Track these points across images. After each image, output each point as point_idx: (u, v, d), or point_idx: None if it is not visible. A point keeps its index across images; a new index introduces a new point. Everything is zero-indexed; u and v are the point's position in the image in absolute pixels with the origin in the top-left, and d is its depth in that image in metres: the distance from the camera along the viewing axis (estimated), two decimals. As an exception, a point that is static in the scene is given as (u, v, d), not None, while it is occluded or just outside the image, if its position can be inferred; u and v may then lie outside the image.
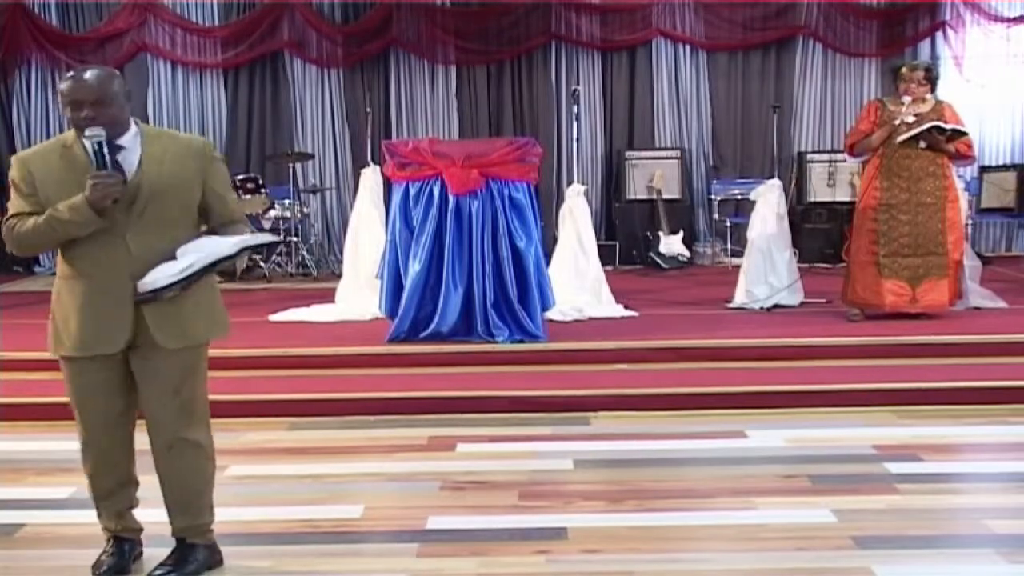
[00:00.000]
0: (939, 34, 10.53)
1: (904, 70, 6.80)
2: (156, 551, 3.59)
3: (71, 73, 3.27)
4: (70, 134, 3.30)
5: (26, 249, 3.35)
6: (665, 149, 10.61)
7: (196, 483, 3.52)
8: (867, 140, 6.82)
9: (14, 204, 3.30)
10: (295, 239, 9.75)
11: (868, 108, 7.00)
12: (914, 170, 6.73)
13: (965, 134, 6.75)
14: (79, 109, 3.19)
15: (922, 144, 6.68)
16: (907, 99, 6.74)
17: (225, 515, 4.11)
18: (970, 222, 9.11)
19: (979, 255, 8.11)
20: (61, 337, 3.35)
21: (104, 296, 3.27)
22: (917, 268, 6.77)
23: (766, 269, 7.47)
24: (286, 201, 9.77)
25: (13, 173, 3.30)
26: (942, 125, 6.62)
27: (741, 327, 6.79)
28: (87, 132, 3.18)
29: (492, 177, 6.40)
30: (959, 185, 7.44)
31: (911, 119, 6.69)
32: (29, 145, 10.56)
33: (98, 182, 3.14)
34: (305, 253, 9.79)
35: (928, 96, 6.79)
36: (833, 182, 10.24)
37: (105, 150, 3.18)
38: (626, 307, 7.44)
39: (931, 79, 6.77)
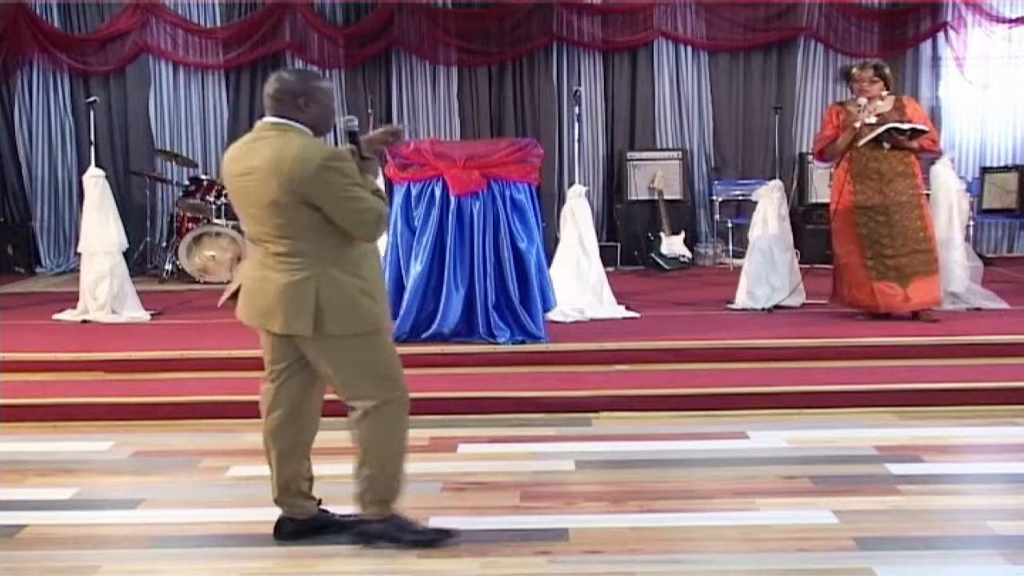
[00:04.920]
0: (940, 35, 10.51)
1: (854, 71, 6.83)
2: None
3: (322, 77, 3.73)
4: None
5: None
6: (666, 150, 10.61)
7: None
8: (833, 145, 6.84)
9: (360, 191, 3.51)
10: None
11: (829, 112, 7.02)
12: (884, 172, 6.74)
13: (925, 131, 6.76)
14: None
15: (886, 145, 6.70)
16: (863, 100, 6.76)
17: (226, 516, 4.13)
18: (971, 223, 9.10)
19: (980, 256, 8.11)
20: (374, 310, 3.61)
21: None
22: (904, 267, 6.77)
23: (767, 270, 7.47)
24: (287, 202, 9.75)
25: (348, 167, 3.50)
26: (899, 126, 6.63)
27: (742, 328, 6.79)
28: (345, 118, 3.67)
29: (494, 178, 6.40)
30: (960, 185, 7.47)
31: (873, 120, 6.70)
32: (31, 146, 10.68)
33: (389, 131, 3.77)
34: (306, 254, 9.77)
35: (885, 94, 6.80)
36: (833, 184, 10.22)
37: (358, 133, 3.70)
38: (627, 308, 7.44)
39: (882, 76, 6.78)
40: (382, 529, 3.77)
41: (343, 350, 3.61)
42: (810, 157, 10.14)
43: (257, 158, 3.51)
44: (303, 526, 3.88)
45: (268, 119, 3.60)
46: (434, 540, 3.79)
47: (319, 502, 3.96)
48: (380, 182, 3.59)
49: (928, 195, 7.11)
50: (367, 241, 3.61)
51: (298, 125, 3.56)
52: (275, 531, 3.88)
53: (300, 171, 3.42)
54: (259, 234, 3.60)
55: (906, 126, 6.65)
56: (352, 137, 3.68)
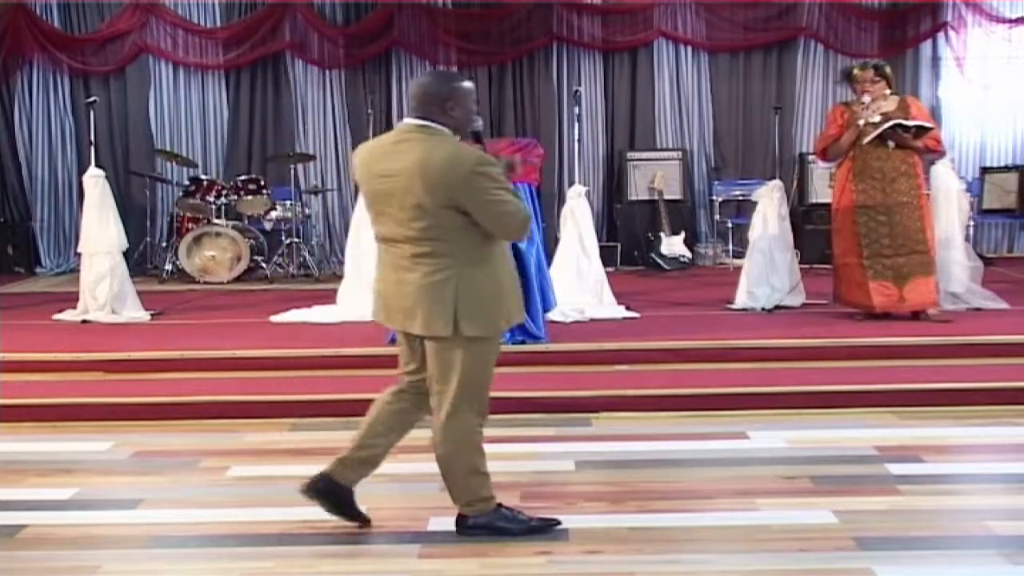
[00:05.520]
0: (940, 35, 10.52)
1: (855, 71, 6.85)
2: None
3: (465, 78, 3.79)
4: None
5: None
6: (666, 150, 10.61)
7: None
8: (837, 144, 6.84)
9: (507, 194, 3.56)
10: (297, 240, 9.75)
11: (834, 112, 7.02)
12: (887, 171, 6.74)
13: (930, 129, 6.76)
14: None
15: (891, 144, 6.70)
16: (867, 99, 6.76)
17: (226, 516, 4.14)
18: (971, 223, 9.11)
19: (980, 256, 8.11)
20: (505, 312, 3.69)
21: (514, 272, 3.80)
22: (901, 268, 6.77)
23: (767, 270, 7.47)
24: (288, 202, 9.77)
25: (496, 171, 3.57)
26: (904, 123, 6.63)
27: (742, 328, 6.79)
28: (479, 122, 3.76)
29: (493, 178, 6.39)
30: (960, 185, 7.47)
31: (877, 119, 6.70)
32: (31, 146, 10.68)
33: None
34: (306, 254, 9.79)
35: (888, 92, 6.80)
36: (834, 183, 10.22)
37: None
38: (627, 308, 7.44)
39: (883, 75, 6.79)
40: (486, 521, 3.84)
41: (466, 351, 3.66)
42: (810, 157, 10.16)
43: (402, 160, 3.56)
44: (333, 489, 3.91)
45: (411, 121, 3.66)
46: (538, 528, 3.86)
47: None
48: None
49: (928, 195, 7.11)
50: (513, 242, 3.72)
51: (442, 127, 3.61)
52: (308, 484, 3.92)
53: (450, 176, 3.48)
54: (397, 235, 3.64)
55: (911, 123, 6.65)
56: (477, 137, 3.76)
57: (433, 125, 3.61)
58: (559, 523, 3.92)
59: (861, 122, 6.72)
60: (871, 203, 6.76)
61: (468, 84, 3.71)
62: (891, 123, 6.62)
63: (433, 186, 3.49)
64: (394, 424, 3.92)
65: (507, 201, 3.55)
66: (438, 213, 3.52)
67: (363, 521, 3.96)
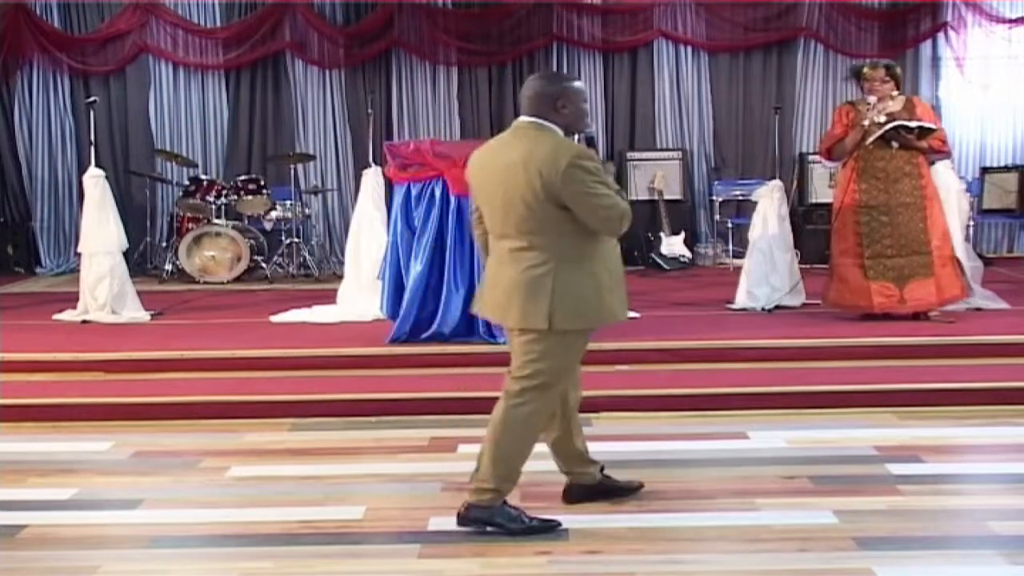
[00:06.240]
0: (940, 35, 10.52)
1: (865, 70, 6.83)
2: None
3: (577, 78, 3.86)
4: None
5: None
6: (666, 150, 10.61)
7: None
8: (842, 144, 6.83)
9: (605, 188, 3.63)
10: (297, 240, 9.75)
11: (839, 112, 7.01)
12: (890, 171, 6.74)
13: (934, 130, 6.76)
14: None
15: (895, 144, 6.70)
16: (872, 99, 6.76)
17: (226, 516, 4.14)
18: (971, 223, 9.11)
19: (980, 256, 8.11)
20: (603, 307, 3.75)
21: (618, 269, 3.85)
22: (902, 269, 6.77)
23: (767, 270, 7.47)
24: (288, 202, 9.78)
25: (595, 165, 3.64)
26: (908, 123, 6.63)
27: (742, 328, 6.79)
28: (592, 127, 3.82)
29: (493, 178, 6.40)
30: (960, 185, 7.46)
31: (882, 119, 6.70)
32: (31, 146, 10.68)
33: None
34: (307, 254, 9.79)
35: (895, 93, 6.80)
36: (834, 183, 10.19)
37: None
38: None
39: (893, 76, 6.79)
40: (487, 516, 3.88)
41: (557, 342, 3.75)
42: (810, 157, 10.17)
43: (509, 155, 3.70)
44: (592, 490, 4.15)
45: (524, 119, 3.78)
46: (539, 529, 3.90)
47: (602, 468, 4.20)
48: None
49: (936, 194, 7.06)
50: (610, 236, 3.76)
51: (552, 125, 3.73)
52: (564, 496, 4.17)
53: (550, 169, 3.58)
54: (501, 228, 3.77)
55: (914, 124, 6.65)
56: (590, 143, 3.88)
57: (543, 122, 3.73)
58: (559, 524, 3.93)
59: (866, 122, 6.71)
60: (874, 203, 6.76)
61: (579, 84, 3.84)
62: (893, 124, 6.62)
63: (534, 179, 3.61)
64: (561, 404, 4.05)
65: (604, 195, 3.63)
66: (539, 207, 3.63)
67: (635, 488, 4.21)
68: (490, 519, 3.86)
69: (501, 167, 3.71)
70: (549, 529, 3.90)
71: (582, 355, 3.94)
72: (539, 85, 3.78)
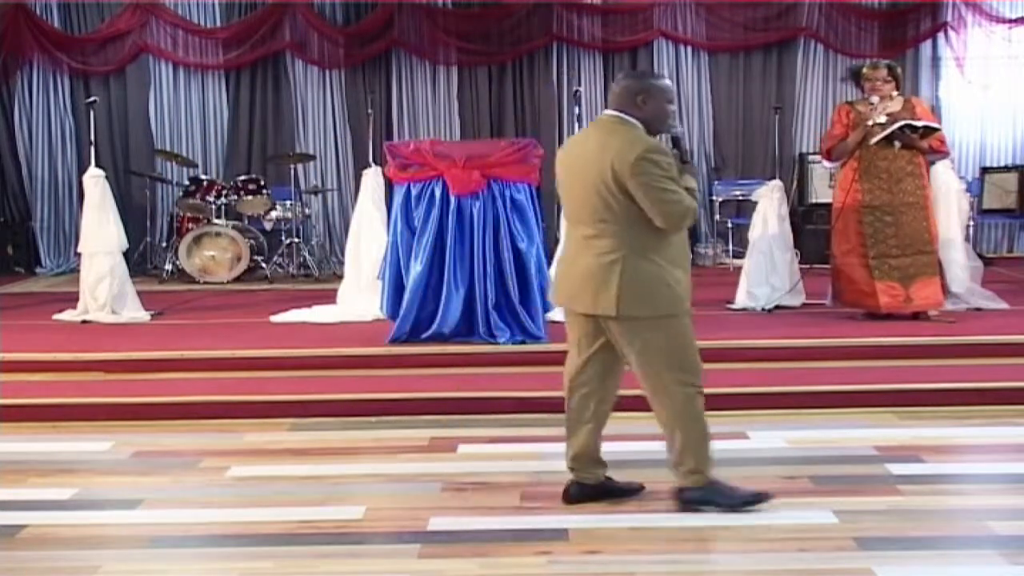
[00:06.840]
0: (940, 35, 10.52)
1: (866, 70, 6.82)
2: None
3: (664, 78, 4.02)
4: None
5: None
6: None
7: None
8: (843, 144, 6.83)
9: (672, 184, 3.75)
10: (297, 240, 9.75)
11: (839, 112, 7.00)
12: (893, 171, 6.74)
13: (937, 130, 6.76)
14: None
15: (897, 144, 6.70)
16: (875, 99, 6.75)
17: (226, 516, 4.14)
18: (971, 223, 9.11)
19: (980, 256, 8.11)
20: (673, 295, 3.90)
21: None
22: (908, 268, 6.77)
23: (767, 270, 7.47)
24: (288, 202, 9.78)
25: (665, 160, 3.75)
26: (913, 123, 6.63)
27: (742, 328, 6.79)
28: (678, 128, 4.04)
29: (494, 178, 6.40)
30: (960, 185, 7.46)
31: (883, 119, 6.69)
32: (31, 146, 10.68)
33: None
34: (307, 254, 9.80)
35: (895, 94, 6.80)
36: (834, 183, 10.20)
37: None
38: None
39: (895, 76, 6.79)
40: (702, 495, 3.98)
41: (643, 332, 3.86)
42: (810, 157, 10.16)
43: (590, 145, 3.88)
44: (592, 491, 4.16)
45: (608, 112, 3.93)
46: (752, 501, 4.01)
47: (605, 467, 4.22)
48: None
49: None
50: (672, 231, 3.85)
51: (632, 119, 3.86)
52: (564, 495, 4.16)
53: (621, 159, 3.72)
54: (577, 216, 3.95)
55: (919, 123, 6.65)
56: (676, 143, 4.00)
57: (624, 116, 3.86)
58: (770, 496, 4.04)
59: (869, 122, 6.71)
60: (877, 203, 6.75)
61: (664, 82, 3.95)
62: (900, 123, 6.62)
63: (606, 169, 3.74)
64: (598, 399, 4.16)
65: (670, 190, 3.74)
66: (611, 197, 3.77)
67: (635, 489, 4.25)
68: (704, 498, 3.98)
69: (580, 157, 3.88)
70: (760, 499, 4.02)
71: (685, 338, 3.95)
72: (624, 80, 3.93)
